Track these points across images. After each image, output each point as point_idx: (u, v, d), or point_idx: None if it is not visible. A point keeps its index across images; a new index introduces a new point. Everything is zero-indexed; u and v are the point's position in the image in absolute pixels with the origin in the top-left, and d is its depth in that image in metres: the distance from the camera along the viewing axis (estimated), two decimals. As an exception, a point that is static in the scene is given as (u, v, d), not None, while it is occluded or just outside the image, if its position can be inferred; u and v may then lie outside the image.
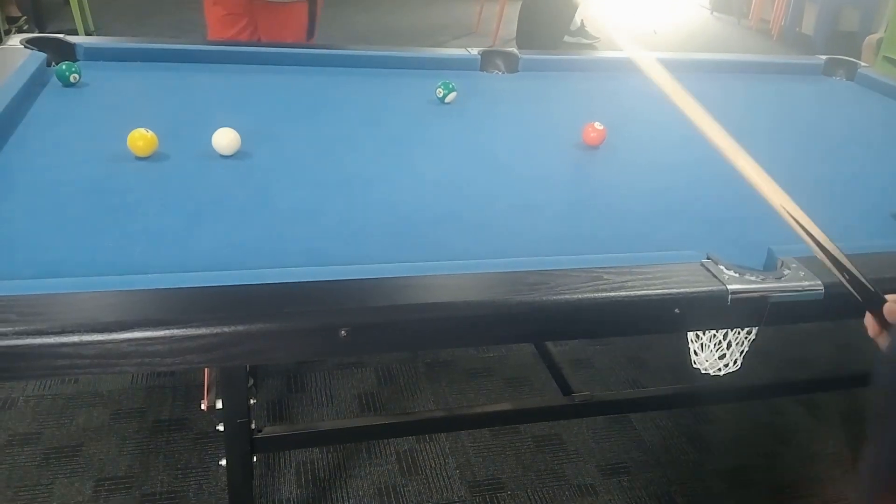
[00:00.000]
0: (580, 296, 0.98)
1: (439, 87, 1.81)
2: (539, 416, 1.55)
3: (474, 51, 2.14)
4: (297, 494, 1.77)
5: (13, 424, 1.89)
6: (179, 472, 1.80)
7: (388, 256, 1.08)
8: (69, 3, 4.39)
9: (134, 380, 2.08)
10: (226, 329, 0.89)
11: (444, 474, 1.86)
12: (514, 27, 4.73)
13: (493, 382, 2.18)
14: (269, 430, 1.34)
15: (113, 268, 1.01)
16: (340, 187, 1.33)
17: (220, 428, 1.30)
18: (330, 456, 1.88)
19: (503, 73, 2.12)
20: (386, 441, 1.92)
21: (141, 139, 1.36)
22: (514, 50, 2.15)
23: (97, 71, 1.77)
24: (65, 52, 1.81)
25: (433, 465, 1.88)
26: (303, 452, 1.87)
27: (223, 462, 1.35)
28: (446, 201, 1.32)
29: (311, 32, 2.34)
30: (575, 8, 4.52)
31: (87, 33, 4.36)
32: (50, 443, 1.85)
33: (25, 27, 4.29)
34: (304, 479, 1.81)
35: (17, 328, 0.84)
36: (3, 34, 4.10)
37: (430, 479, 1.84)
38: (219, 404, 1.28)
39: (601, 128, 1.63)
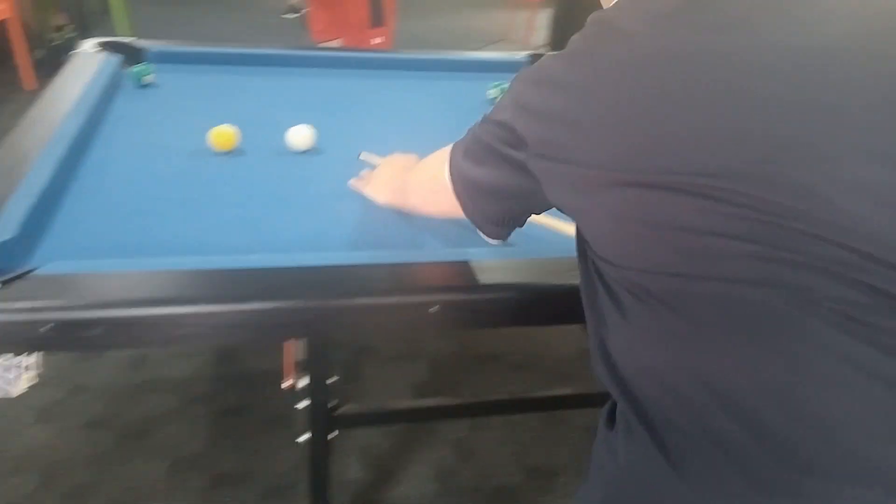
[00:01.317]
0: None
1: (492, 87, 1.89)
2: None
3: (521, 54, 2.21)
4: (361, 476, 1.85)
5: (88, 408, 2.00)
6: (248, 453, 1.89)
7: (462, 242, 1.15)
8: (110, 11, 4.54)
9: (200, 366, 2.17)
10: (330, 303, 0.97)
11: (501, 459, 1.93)
12: (544, 34, 4.79)
13: (538, 375, 2.25)
14: (347, 408, 1.41)
15: (216, 248, 1.10)
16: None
17: (300, 406, 1.38)
18: (389, 441, 1.95)
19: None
20: (443, 428, 2.00)
21: (222, 135, 1.45)
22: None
23: (166, 73, 1.87)
24: (135, 55, 1.91)
25: (488, 451, 1.95)
26: (364, 437, 1.95)
27: (301, 439, 1.43)
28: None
29: (376, 20, 2.43)
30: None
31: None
32: (124, 426, 1.95)
33: (71, 34, 4.43)
34: (367, 461, 1.89)
35: (148, 298, 0.93)
36: (72, 39, 4.24)
37: (487, 464, 1.91)
38: (300, 383, 1.36)
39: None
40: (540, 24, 5.47)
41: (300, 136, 1.50)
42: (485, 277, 1.03)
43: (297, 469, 1.85)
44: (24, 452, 1.84)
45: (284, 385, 1.97)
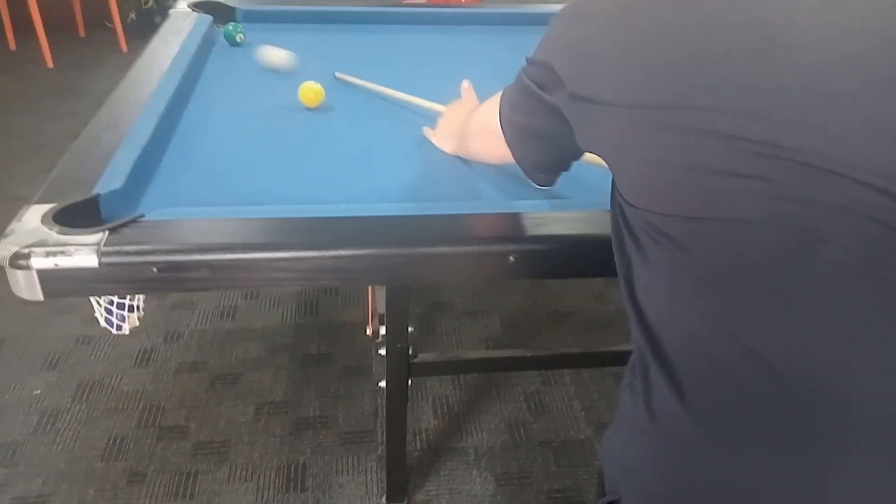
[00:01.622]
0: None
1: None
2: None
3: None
4: (434, 424, 1.92)
5: (181, 354, 2.13)
6: (329, 399, 1.98)
7: (537, 193, 1.18)
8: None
9: (284, 318, 2.28)
10: (415, 250, 1.01)
11: (570, 414, 1.96)
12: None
13: (614, 334, 2.26)
14: (423, 357, 1.47)
15: (307, 199, 1.16)
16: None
17: (382, 352, 1.45)
18: (462, 392, 2.02)
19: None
20: (514, 382, 2.05)
21: (311, 91, 1.50)
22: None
23: (255, 32, 1.93)
24: (226, 15, 1.98)
25: (559, 405, 1.99)
26: (438, 388, 2.02)
27: (382, 384, 1.50)
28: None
29: None
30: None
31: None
32: (214, 370, 2.07)
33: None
34: (440, 411, 1.96)
35: (247, 244, 0.99)
36: (162, 2, 4.40)
37: (557, 418, 1.95)
38: (382, 330, 1.42)
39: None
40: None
41: (272, 56, 1.65)
42: (560, 228, 1.06)
43: (375, 416, 1.94)
44: (124, 393, 1.98)
45: (368, 331, 2.04)
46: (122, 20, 4.32)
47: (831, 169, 0.56)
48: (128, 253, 0.97)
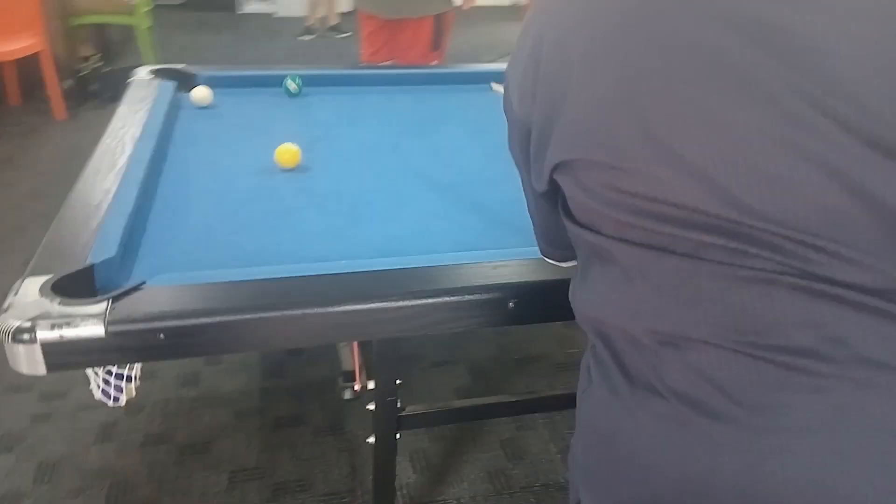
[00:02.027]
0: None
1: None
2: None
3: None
4: (415, 479, 1.90)
5: (145, 426, 2.06)
6: (304, 461, 1.95)
7: (520, 242, 1.23)
8: (134, 40, 4.65)
9: (249, 381, 2.24)
10: (420, 302, 1.04)
11: (547, 458, 1.99)
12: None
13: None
14: (412, 409, 1.48)
15: (302, 257, 1.17)
16: (467, 188, 1.49)
17: (370, 407, 1.45)
18: (439, 445, 2.02)
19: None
20: (489, 430, 2.06)
21: (287, 152, 1.53)
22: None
23: (218, 97, 1.95)
24: (188, 80, 1.99)
25: (536, 450, 2.01)
26: (414, 442, 2.01)
27: (371, 439, 1.50)
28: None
29: (436, 45, 2.55)
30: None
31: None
32: (182, 440, 2.01)
33: (98, 64, 4.54)
34: (419, 465, 1.95)
35: (250, 305, 1.00)
36: (98, 69, 4.36)
37: (535, 463, 1.97)
38: (370, 385, 1.43)
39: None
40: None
41: (200, 94, 1.79)
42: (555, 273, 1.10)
43: (354, 474, 1.91)
44: (88, 470, 1.90)
45: (357, 387, 2.03)
46: (59, 88, 4.24)
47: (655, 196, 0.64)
48: (134, 321, 0.96)
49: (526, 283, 1.09)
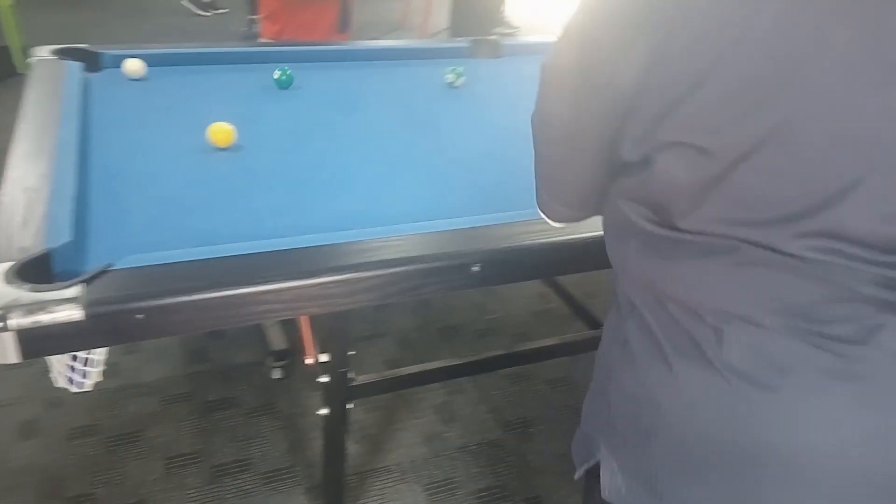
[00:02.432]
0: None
1: (449, 72, 2.02)
2: (582, 348, 1.80)
3: (462, 40, 2.36)
4: (356, 450, 1.95)
5: (69, 420, 1.98)
6: (241, 442, 1.95)
7: (472, 210, 1.29)
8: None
9: (173, 368, 2.19)
10: (390, 270, 1.08)
11: (479, 419, 2.08)
12: (440, 20, 4.94)
13: (502, 339, 2.42)
14: (362, 378, 1.52)
15: (260, 233, 1.18)
16: (406, 161, 1.53)
17: (323, 379, 1.48)
18: (374, 415, 2.07)
19: (488, 58, 2.35)
20: (421, 397, 2.13)
21: (222, 131, 1.51)
22: (497, 38, 2.39)
23: (125, 77, 1.89)
24: (93, 60, 1.91)
25: (467, 412, 2.10)
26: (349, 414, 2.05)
27: (323, 411, 1.53)
28: (498, 162, 1.54)
29: (343, 26, 2.52)
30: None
31: (24, 50, 4.29)
32: (110, 431, 1.95)
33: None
34: (357, 436, 1.99)
35: (226, 280, 1.01)
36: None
37: (468, 425, 2.06)
38: (322, 358, 1.46)
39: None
40: (435, 9, 5.64)
41: (134, 66, 1.82)
42: (517, 239, 1.18)
43: (293, 450, 1.93)
44: (13, 469, 1.82)
45: (310, 361, 2.03)
46: None
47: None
48: (112, 302, 0.95)
49: (489, 249, 1.15)
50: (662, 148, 0.70)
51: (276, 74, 1.90)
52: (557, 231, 1.15)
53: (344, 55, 2.20)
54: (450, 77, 2.02)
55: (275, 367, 2.18)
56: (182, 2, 6.11)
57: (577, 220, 0.92)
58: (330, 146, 1.59)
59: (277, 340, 2.22)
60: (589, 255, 1.14)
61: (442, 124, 1.79)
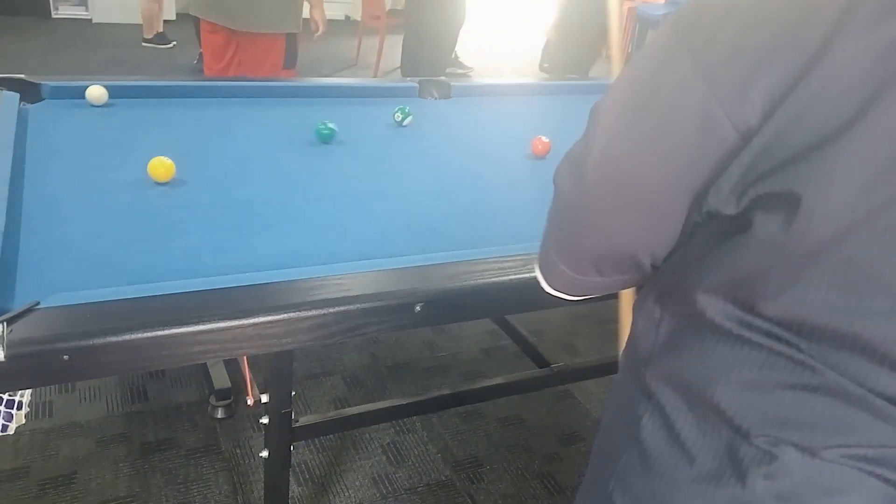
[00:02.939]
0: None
1: (397, 111, 2.03)
2: (531, 387, 1.79)
3: (412, 80, 2.37)
4: (300, 492, 1.90)
5: (-3, 463, 1.89)
6: (181, 485, 1.88)
7: (413, 248, 1.29)
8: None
9: (110, 407, 2.11)
10: (331, 310, 1.06)
11: (428, 459, 2.05)
12: (393, 59, 4.97)
13: (452, 377, 2.40)
14: (306, 419, 1.49)
15: (198, 271, 1.15)
16: (350, 199, 1.52)
17: (264, 421, 1.44)
18: (321, 455, 2.02)
19: (437, 98, 2.37)
20: (370, 437, 2.09)
21: (162, 165, 1.48)
22: (447, 79, 2.41)
23: (62, 108, 1.85)
24: (31, 91, 1.87)
25: (416, 452, 2.07)
26: (295, 455, 1.99)
27: (263, 453, 1.48)
28: (443, 202, 1.54)
29: (290, 62, 2.51)
30: (456, 38, 4.86)
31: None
32: (41, 475, 1.87)
33: None
34: (303, 477, 1.94)
35: (159, 320, 0.98)
36: None
37: (417, 465, 2.02)
38: (264, 398, 1.42)
39: (547, 140, 1.91)
40: (387, 49, 5.69)
41: (97, 93, 1.84)
42: (461, 279, 1.17)
43: (236, 492, 1.87)
44: (-67, 517, 1.72)
45: (249, 402, 1.97)
46: None
47: None
48: (36, 343, 0.91)
49: (437, 289, 1.14)
50: (768, 199, 0.57)
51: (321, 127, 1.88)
52: (502, 271, 1.16)
53: (292, 91, 2.19)
54: (398, 116, 2.02)
55: (217, 407, 2.12)
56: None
57: (586, 294, 0.79)
58: (275, 182, 1.57)
59: (221, 379, 2.17)
60: (532, 296, 1.13)
61: (389, 163, 1.79)
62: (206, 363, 2.21)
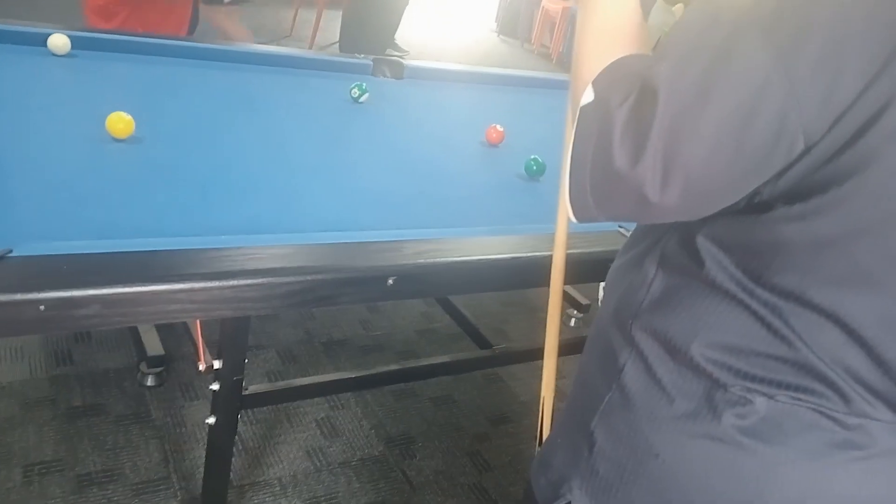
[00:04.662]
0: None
1: (354, 87, 2.03)
2: (469, 367, 1.84)
3: (365, 57, 2.37)
4: (236, 463, 1.88)
5: None
6: (109, 451, 1.84)
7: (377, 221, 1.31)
8: None
9: (33, 370, 2.04)
10: (308, 278, 1.08)
11: (362, 434, 2.08)
12: (330, 34, 4.89)
13: (387, 355, 2.43)
14: (255, 388, 1.49)
15: (168, 230, 1.14)
16: (325, 171, 1.53)
17: (214, 387, 1.43)
18: (255, 427, 2.01)
19: (389, 77, 2.38)
20: (304, 411, 2.10)
21: (121, 121, 1.45)
22: (401, 59, 2.43)
23: (21, 56, 1.77)
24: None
25: (350, 428, 2.09)
26: (230, 425, 1.98)
27: (210, 420, 1.47)
28: (411, 177, 1.57)
29: (192, 28, 2.42)
30: (399, 19, 4.85)
31: None
32: (-41, 437, 1.79)
33: None
34: (237, 448, 1.93)
35: (139, 276, 0.97)
36: None
37: (351, 440, 2.05)
38: (215, 364, 1.41)
39: (501, 129, 1.96)
40: (324, 24, 5.61)
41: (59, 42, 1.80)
42: (431, 255, 1.20)
43: (167, 461, 1.84)
44: None
45: (201, 367, 1.93)
46: None
47: None
48: (11, 290, 0.89)
49: (409, 265, 1.17)
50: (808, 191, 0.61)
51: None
52: (473, 250, 1.20)
53: (246, 57, 2.15)
54: (354, 92, 2.03)
55: (148, 374, 2.07)
56: None
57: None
58: (234, 148, 1.55)
59: (153, 346, 2.12)
60: (499, 277, 1.18)
61: (348, 138, 1.79)
62: (136, 329, 2.15)
